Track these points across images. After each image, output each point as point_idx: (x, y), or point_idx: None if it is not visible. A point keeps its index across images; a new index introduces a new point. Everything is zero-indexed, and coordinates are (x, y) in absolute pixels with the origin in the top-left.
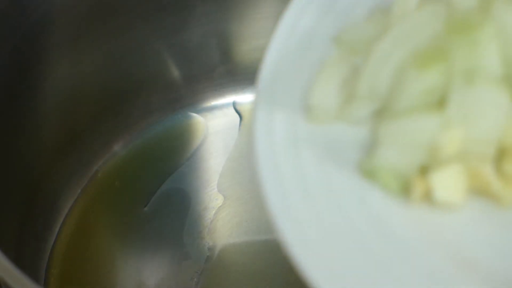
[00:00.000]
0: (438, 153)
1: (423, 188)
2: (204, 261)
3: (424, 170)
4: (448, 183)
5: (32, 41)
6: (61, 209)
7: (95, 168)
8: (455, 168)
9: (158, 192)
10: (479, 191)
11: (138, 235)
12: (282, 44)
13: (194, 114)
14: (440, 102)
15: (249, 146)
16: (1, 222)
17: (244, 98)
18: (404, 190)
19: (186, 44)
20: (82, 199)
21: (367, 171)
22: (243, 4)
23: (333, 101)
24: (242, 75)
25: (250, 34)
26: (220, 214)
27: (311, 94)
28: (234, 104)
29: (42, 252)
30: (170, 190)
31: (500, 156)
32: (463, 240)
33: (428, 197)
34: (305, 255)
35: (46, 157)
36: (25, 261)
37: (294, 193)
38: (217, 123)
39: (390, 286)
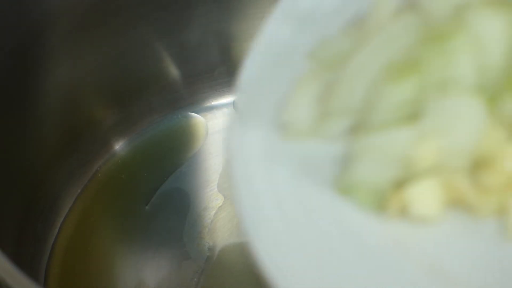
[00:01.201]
0: (413, 167)
1: (399, 202)
2: (204, 261)
3: (400, 184)
4: (424, 196)
5: (32, 41)
6: (61, 209)
7: (95, 168)
8: (431, 181)
9: (158, 192)
10: (456, 203)
11: (138, 235)
12: (259, 59)
13: (194, 114)
14: (415, 115)
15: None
16: (1, 222)
17: None
18: (381, 205)
19: (186, 44)
20: (82, 199)
21: (343, 187)
22: (243, 4)
23: (308, 117)
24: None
25: (250, 34)
26: (220, 214)
27: (285, 110)
28: (234, 104)
29: (42, 252)
30: (170, 190)
31: (475, 167)
32: (440, 252)
33: (404, 212)
34: (279, 271)
35: (46, 157)
36: (25, 261)
37: (269, 210)
38: (217, 123)
39: None
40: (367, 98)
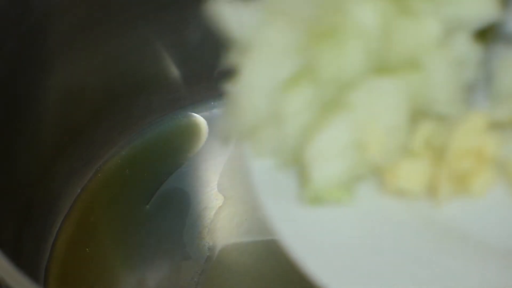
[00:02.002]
0: (407, 148)
1: (393, 179)
2: (204, 261)
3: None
4: (412, 174)
5: (32, 41)
6: (61, 209)
7: (95, 168)
8: (421, 161)
9: (158, 192)
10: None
11: (138, 236)
12: None
13: (194, 114)
14: (330, 108)
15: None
16: (1, 222)
17: None
18: (351, 194)
19: (186, 44)
20: (82, 198)
21: (313, 197)
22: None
23: None
24: None
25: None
26: (220, 214)
27: None
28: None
29: (42, 252)
30: (170, 190)
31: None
32: (465, 221)
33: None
34: (309, 256)
35: (46, 157)
36: (25, 261)
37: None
38: (217, 123)
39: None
40: (274, 116)
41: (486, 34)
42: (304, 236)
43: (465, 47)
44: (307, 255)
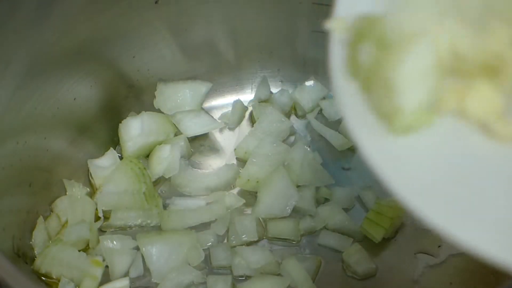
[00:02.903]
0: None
1: (456, 101)
2: None
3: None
4: (483, 100)
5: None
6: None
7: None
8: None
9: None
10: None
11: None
12: None
13: None
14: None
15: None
16: (1, 222)
17: (245, 97)
18: (435, 121)
19: (189, 43)
20: None
21: (404, 126)
22: (245, 4)
23: None
24: (243, 74)
25: (252, 33)
26: None
27: None
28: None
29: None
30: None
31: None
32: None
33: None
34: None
35: (47, 157)
36: (25, 261)
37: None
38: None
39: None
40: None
41: None
42: (393, 163)
43: None
44: (398, 180)
